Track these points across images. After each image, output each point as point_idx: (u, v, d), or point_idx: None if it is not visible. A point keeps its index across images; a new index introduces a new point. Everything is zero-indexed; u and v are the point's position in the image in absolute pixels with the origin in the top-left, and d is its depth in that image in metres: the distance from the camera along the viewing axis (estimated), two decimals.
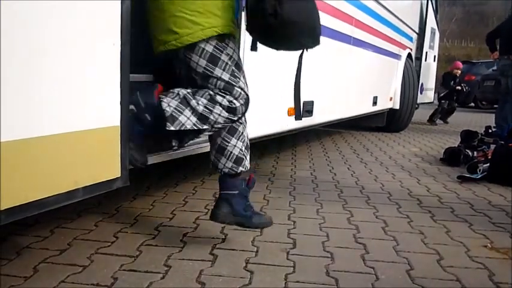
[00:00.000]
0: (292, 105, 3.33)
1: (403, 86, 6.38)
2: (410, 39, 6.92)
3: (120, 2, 1.49)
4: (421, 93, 7.57)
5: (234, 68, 1.59)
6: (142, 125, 1.61)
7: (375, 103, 5.47)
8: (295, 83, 1.76)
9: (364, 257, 1.88)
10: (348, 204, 2.66)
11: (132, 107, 1.57)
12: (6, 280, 1.54)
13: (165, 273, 1.66)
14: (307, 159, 4.11)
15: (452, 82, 8.68)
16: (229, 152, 1.71)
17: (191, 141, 2.49)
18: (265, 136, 3.09)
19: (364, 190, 3.04)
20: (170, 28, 1.54)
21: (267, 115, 3.04)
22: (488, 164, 3.54)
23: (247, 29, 1.64)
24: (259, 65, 2.88)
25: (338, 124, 5.08)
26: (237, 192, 1.77)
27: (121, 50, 1.51)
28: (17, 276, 1.58)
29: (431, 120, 8.57)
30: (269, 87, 3.00)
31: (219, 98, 1.58)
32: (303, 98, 3.50)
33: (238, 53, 1.66)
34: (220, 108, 1.58)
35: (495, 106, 7.65)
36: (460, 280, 1.70)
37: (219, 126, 1.63)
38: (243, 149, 1.75)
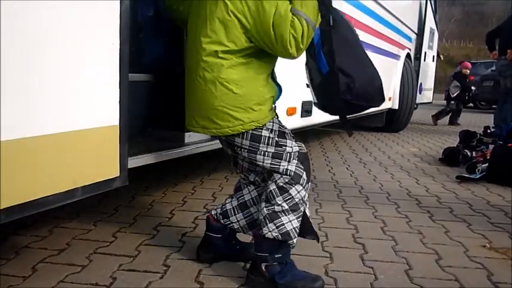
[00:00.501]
0: (291, 104, 3.35)
1: (402, 86, 6.38)
2: (409, 39, 6.92)
3: (119, 2, 1.49)
4: (420, 93, 7.57)
5: (277, 138, 1.59)
6: (285, 263, 1.60)
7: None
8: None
9: (363, 256, 1.89)
10: (347, 204, 2.66)
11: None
12: (5, 280, 1.54)
13: (163, 273, 1.66)
14: None
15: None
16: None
17: (190, 141, 2.50)
18: None
19: (363, 190, 3.04)
20: (211, 118, 1.55)
21: None
22: (487, 164, 3.55)
23: (318, 107, 1.68)
24: None
25: (337, 124, 5.08)
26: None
27: (120, 49, 1.51)
28: (15, 275, 1.58)
29: (437, 118, 8.48)
30: None
31: (281, 182, 1.56)
32: (302, 98, 3.52)
33: (277, 121, 1.65)
34: (293, 187, 1.56)
35: (494, 106, 7.66)
36: (458, 280, 1.70)
37: (306, 196, 1.62)
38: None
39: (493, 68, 7.63)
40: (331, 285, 1.62)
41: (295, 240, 1.57)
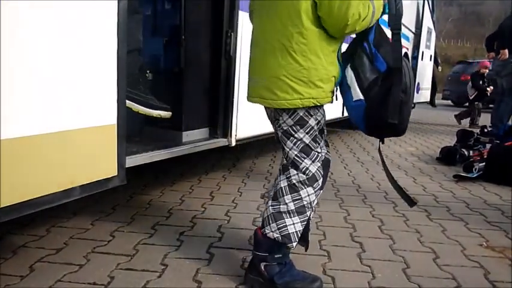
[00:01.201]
0: None
1: None
2: (407, 38, 6.93)
3: (116, 1, 1.49)
4: (417, 92, 7.58)
5: (317, 133, 1.58)
6: (284, 263, 1.60)
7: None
8: (387, 175, 1.77)
9: (361, 255, 1.89)
10: (345, 203, 2.67)
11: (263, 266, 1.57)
12: (2, 279, 1.54)
13: (161, 272, 1.66)
14: None
15: (481, 82, 8.58)
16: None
17: (188, 141, 2.50)
18: (263, 135, 3.10)
19: (360, 189, 3.05)
20: (270, 88, 1.52)
21: (264, 114, 3.04)
22: (484, 163, 3.55)
23: (366, 133, 1.63)
24: None
25: (335, 123, 5.08)
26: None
27: (118, 48, 1.51)
28: (13, 275, 1.57)
29: (460, 118, 8.37)
30: None
31: (294, 179, 1.54)
32: None
33: (325, 117, 1.63)
34: (304, 189, 1.54)
35: (491, 106, 7.67)
36: (455, 278, 1.71)
37: (316, 201, 1.60)
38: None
39: (490, 68, 7.65)
40: (329, 284, 1.62)
41: (294, 244, 1.54)
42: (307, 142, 1.54)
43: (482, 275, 1.76)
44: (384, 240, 2.09)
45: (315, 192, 1.56)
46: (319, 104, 1.51)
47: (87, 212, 2.27)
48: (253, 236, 1.61)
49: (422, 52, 7.63)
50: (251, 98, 1.63)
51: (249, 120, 2.85)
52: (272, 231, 1.52)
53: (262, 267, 1.56)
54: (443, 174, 3.68)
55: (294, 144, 1.55)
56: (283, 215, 1.52)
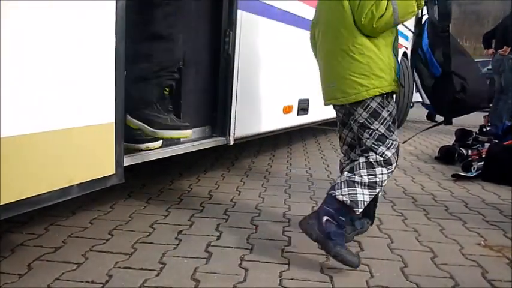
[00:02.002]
0: (288, 103, 3.35)
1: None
2: (406, 37, 6.93)
3: (115, 1, 1.48)
4: (416, 91, 7.58)
5: (391, 123, 1.78)
6: (342, 228, 1.75)
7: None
8: None
9: (359, 254, 1.89)
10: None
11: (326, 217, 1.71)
12: (0, 278, 1.54)
13: (160, 270, 1.66)
14: (303, 158, 4.11)
15: None
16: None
17: (186, 139, 2.49)
18: (261, 134, 3.10)
19: None
20: (341, 88, 1.77)
21: (263, 113, 3.04)
22: (482, 163, 3.56)
23: (428, 108, 1.91)
24: (256, 64, 2.88)
25: (334, 122, 5.08)
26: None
27: (116, 47, 1.51)
28: (11, 273, 1.57)
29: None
30: (265, 87, 3.00)
31: (372, 158, 1.74)
32: (299, 96, 3.52)
33: (396, 108, 1.83)
34: (380, 168, 1.73)
35: (490, 105, 7.67)
36: (453, 278, 1.71)
37: (385, 181, 1.78)
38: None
39: (489, 66, 7.64)
40: (327, 283, 1.63)
41: (360, 210, 1.72)
42: (382, 132, 1.75)
43: (480, 274, 1.76)
44: (382, 239, 2.09)
45: (388, 173, 1.76)
46: (384, 92, 1.72)
47: (86, 211, 2.27)
48: (326, 195, 1.76)
49: None
50: (327, 101, 1.91)
51: (248, 119, 2.86)
52: (342, 195, 1.70)
53: (324, 219, 1.69)
54: (442, 173, 3.68)
55: (370, 135, 1.76)
56: (356, 184, 1.71)
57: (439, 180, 3.43)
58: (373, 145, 1.76)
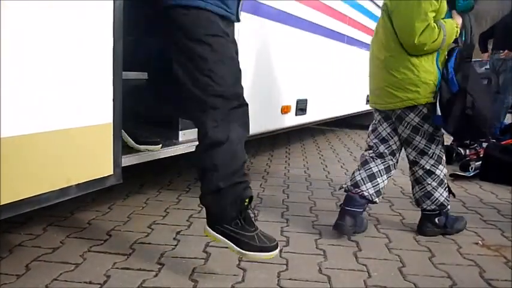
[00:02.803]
0: (286, 103, 3.35)
1: None
2: None
3: (112, 0, 1.48)
4: None
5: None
6: (449, 219, 2.18)
7: (368, 101, 5.48)
8: None
9: (357, 254, 1.89)
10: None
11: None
12: None
13: (158, 271, 1.66)
14: (301, 157, 4.11)
15: None
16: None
17: (184, 140, 2.49)
18: (260, 134, 3.10)
19: None
20: (381, 96, 2.12)
21: (261, 113, 3.04)
22: (480, 162, 3.57)
23: (438, 122, 2.03)
24: (256, 65, 2.88)
25: (332, 122, 5.09)
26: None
27: (113, 47, 1.51)
28: (9, 274, 1.57)
29: None
30: (264, 86, 3.00)
31: (427, 165, 2.09)
32: (297, 96, 3.52)
33: None
34: (436, 168, 2.09)
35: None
36: (451, 277, 1.71)
37: (446, 171, 2.15)
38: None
39: (487, 66, 7.62)
40: (325, 283, 1.63)
41: (449, 207, 2.13)
42: (431, 131, 2.05)
43: (478, 274, 1.76)
44: (379, 239, 2.10)
45: (444, 166, 2.12)
46: (417, 104, 2.01)
47: (84, 211, 2.27)
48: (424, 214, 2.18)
49: None
50: (372, 104, 2.26)
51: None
52: (429, 206, 2.11)
53: (437, 220, 2.12)
54: None
55: (422, 136, 2.06)
56: (431, 191, 2.10)
57: None
58: (426, 146, 2.07)
